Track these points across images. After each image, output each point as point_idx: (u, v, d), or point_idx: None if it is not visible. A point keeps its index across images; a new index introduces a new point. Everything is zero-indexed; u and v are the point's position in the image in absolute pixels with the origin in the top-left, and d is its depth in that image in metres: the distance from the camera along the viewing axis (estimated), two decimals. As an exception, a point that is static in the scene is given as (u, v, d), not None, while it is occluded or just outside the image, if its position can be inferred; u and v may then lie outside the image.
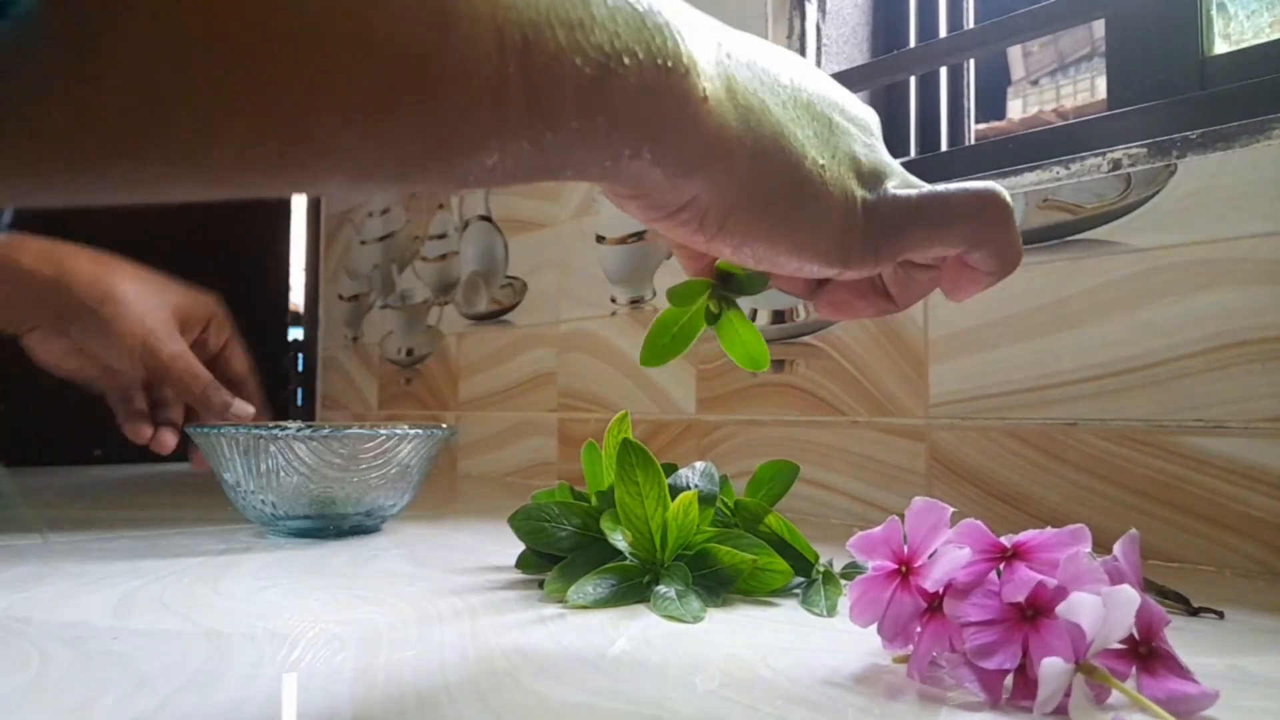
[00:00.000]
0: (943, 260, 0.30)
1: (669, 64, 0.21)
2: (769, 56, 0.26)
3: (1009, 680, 0.27)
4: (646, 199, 0.24)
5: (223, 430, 0.57)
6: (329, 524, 0.61)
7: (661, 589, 0.40)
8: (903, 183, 0.28)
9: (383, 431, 0.59)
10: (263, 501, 0.59)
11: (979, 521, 0.30)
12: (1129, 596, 0.25)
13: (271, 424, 0.60)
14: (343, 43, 0.16)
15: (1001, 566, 0.29)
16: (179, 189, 0.17)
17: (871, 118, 0.29)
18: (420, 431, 0.60)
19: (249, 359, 0.71)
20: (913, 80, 0.86)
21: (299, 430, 0.57)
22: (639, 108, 0.21)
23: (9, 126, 0.14)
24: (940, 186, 0.28)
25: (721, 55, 0.24)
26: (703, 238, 0.25)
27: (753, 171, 0.24)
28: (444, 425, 0.63)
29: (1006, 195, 0.28)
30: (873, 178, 0.26)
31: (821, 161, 0.25)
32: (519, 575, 0.48)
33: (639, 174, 0.23)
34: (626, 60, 0.20)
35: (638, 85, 0.21)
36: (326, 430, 0.57)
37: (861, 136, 0.27)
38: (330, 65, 0.16)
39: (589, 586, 0.41)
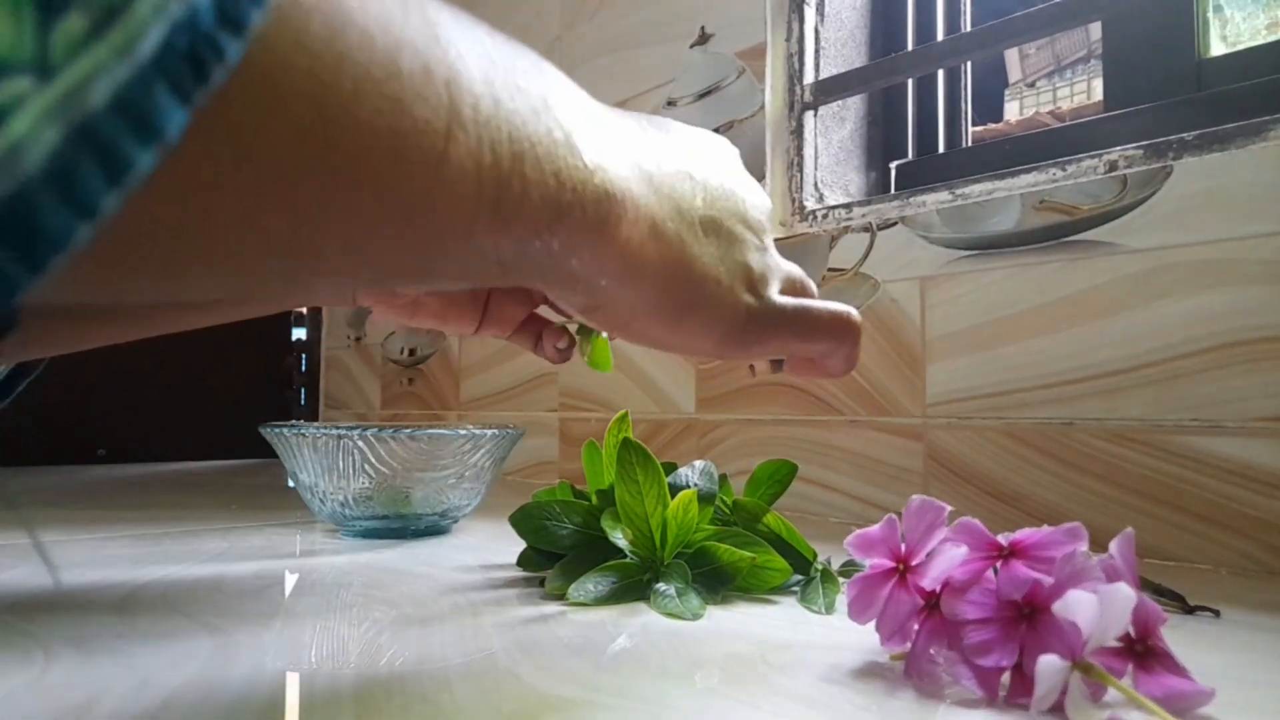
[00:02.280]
0: None
1: (608, 217, 0.25)
2: (691, 175, 0.30)
3: (1006, 678, 0.28)
4: (564, 299, 0.29)
5: (300, 429, 0.58)
6: (406, 524, 0.61)
7: (661, 587, 0.41)
8: (784, 282, 0.33)
9: (462, 431, 0.59)
10: (340, 503, 0.60)
11: (976, 520, 0.30)
12: (1125, 595, 0.26)
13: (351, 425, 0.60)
14: (358, 187, 0.19)
15: (998, 565, 0.29)
16: (212, 293, 0.20)
17: (767, 217, 0.33)
18: (496, 432, 0.61)
19: None
20: (910, 83, 0.86)
21: (381, 430, 0.57)
22: (576, 247, 0.25)
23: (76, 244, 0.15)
24: (806, 303, 0.33)
25: (650, 194, 0.27)
26: (607, 329, 0.30)
27: (658, 289, 0.28)
28: (511, 427, 0.63)
29: (859, 317, 0.34)
30: (760, 283, 0.31)
31: (719, 278, 0.30)
32: (520, 573, 0.48)
33: (566, 286, 0.27)
34: (575, 213, 0.24)
35: (580, 231, 0.25)
36: (408, 430, 0.58)
37: (756, 242, 0.31)
38: (345, 203, 0.19)
39: (589, 584, 0.41)
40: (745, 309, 0.30)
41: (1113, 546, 0.28)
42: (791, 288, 0.33)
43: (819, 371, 0.35)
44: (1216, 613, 0.40)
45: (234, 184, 0.17)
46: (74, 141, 0.13)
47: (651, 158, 0.28)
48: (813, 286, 0.35)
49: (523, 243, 0.23)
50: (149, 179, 0.15)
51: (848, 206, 0.78)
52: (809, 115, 0.83)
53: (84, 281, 0.17)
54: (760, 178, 0.84)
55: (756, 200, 0.32)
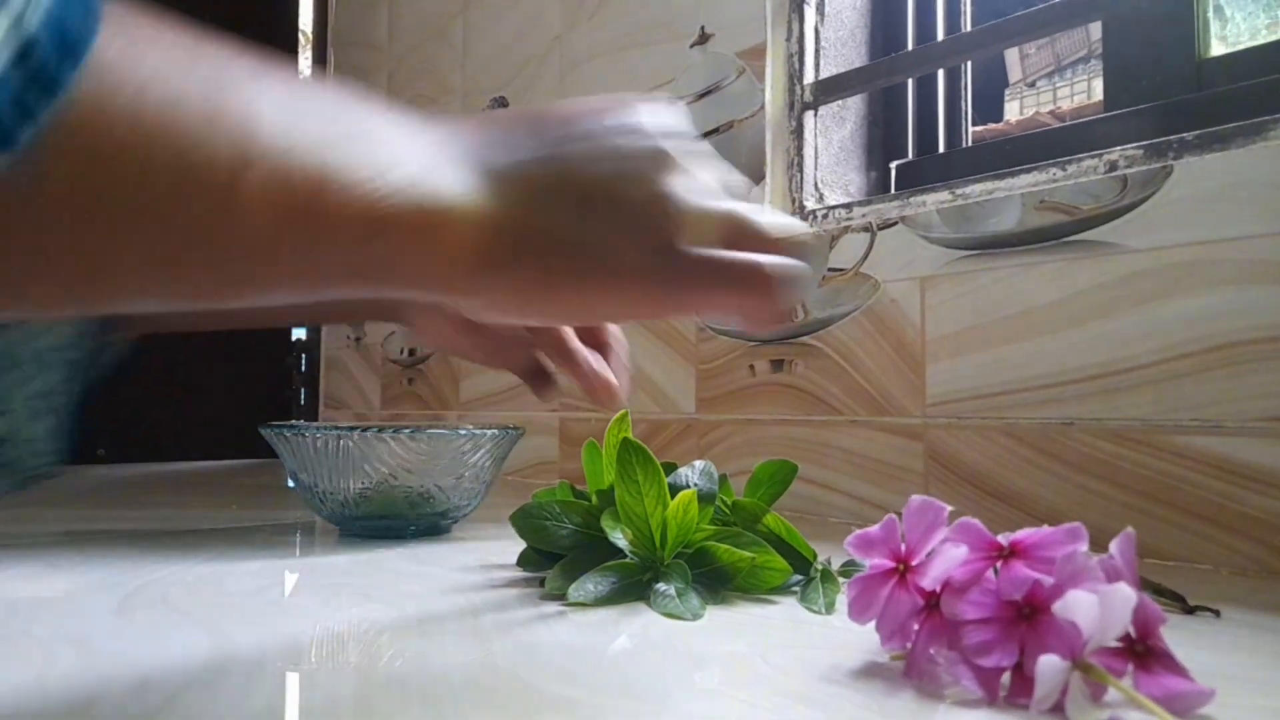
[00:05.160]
0: None
1: (433, 225, 0.26)
2: (552, 158, 0.29)
3: (1006, 678, 0.27)
4: (430, 300, 0.30)
5: (300, 429, 0.57)
6: (405, 524, 0.61)
7: (661, 587, 0.41)
8: (709, 230, 0.31)
9: (462, 431, 0.59)
10: (339, 503, 0.60)
11: (976, 520, 0.30)
12: (1125, 595, 0.26)
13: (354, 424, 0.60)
14: (141, 223, 0.21)
15: (999, 565, 0.29)
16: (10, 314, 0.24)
17: (668, 161, 0.31)
18: (496, 432, 0.61)
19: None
20: (910, 82, 0.86)
21: (381, 430, 0.57)
22: (404, 260, 0.26)
23: None
24: (717, 257, 0.30)
25: (488, 199, 0.27)
26: (490, 319, 0.32)
27: (521, 282, 0.28)
28: (511, 426, 0.63)
29: (774, 268, 0.31)
30: (661, 239, 0.30)
31: (600, 248, 0.29)
32: (520, 573, 0.48)
33: (417, 290, 0.28)
34: (390, 229, 0.25)
35: (402, 244, 0.26)
36: (408, 430, 0.58)
37: (650, 197, 0.30)
38: (131, 236, 0.22)
39: (589, 584, 0.41)
40: (640, 275, 0.29)
41: (1113, 547, 0.28)
42: (727, 233, 0.31)
43: (742, 324, 0.34)
44: (1217, 613, 0.40)
45: (20, 233, 0.20)
46: None
47: (498, 158, 0.28)
48: (758, 223, 0.32)
49: (343, 258, 0.25)
50: None
51: (848, 206, 0.78)
52: (809, 115, 0.83)
53: None
54: (760, 178, 0.84)
55: (655, 152, 0.31)
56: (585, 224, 0.29)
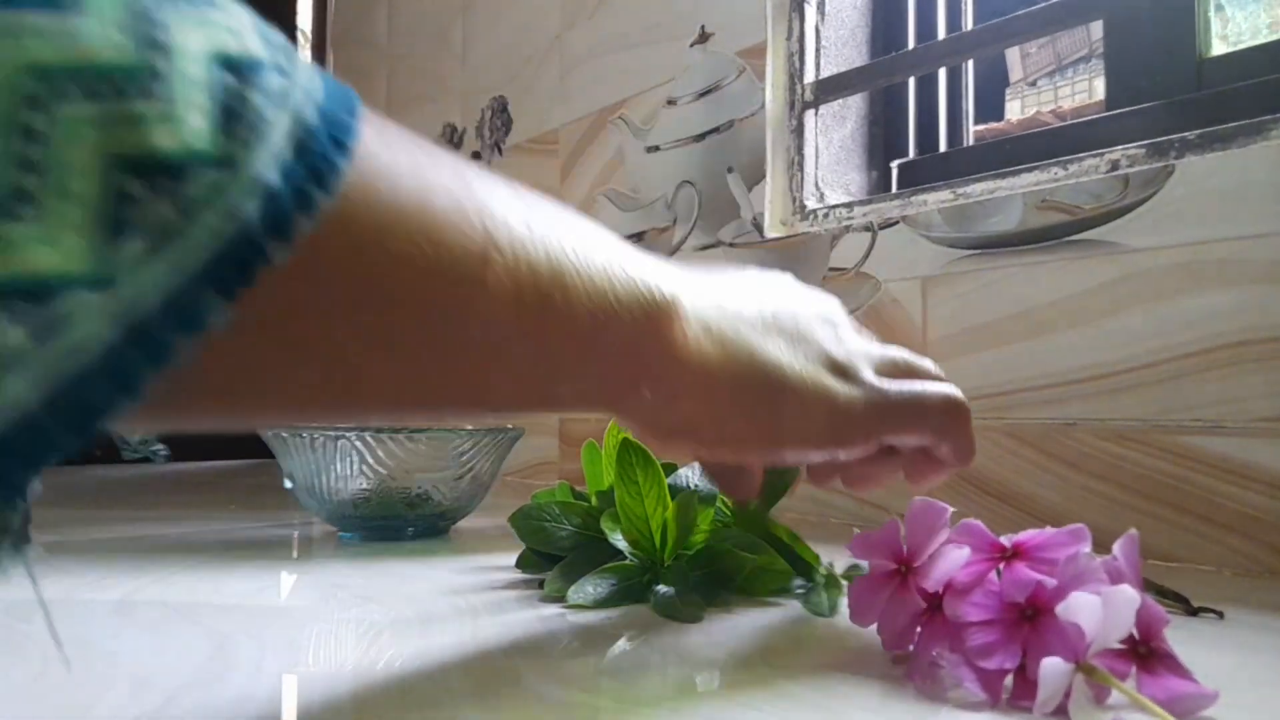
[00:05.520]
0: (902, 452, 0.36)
1: (655, 316, 0.27)
2: (736, 291, 0.31)
3: (1009, 680, 0.27)
4: (645, 424, 0.29)
5: (298, 430, 0.57)
6: (404, 525, 0.61)
7: (661, 589, 0.40)
8: (880, 365, 0.33)
9: (462, 432, 0.59)
10: (340, 503, 0.59)
11: (978, 521, 0.30)
12: (1129, 596, 0.25)
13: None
14: (392, 316, 0.21)
15: (1001, 566, 0.29)
16: (267, 424, 0.25)
17: (833, 310, 0.34)
18: (495, 432, 0.61)
19: None
20: (911, 82, 0.86)
21: (380, 430, 0.57)
22: (630, 352, 0.26)
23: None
24: (909, 385, 0.33)
25: (696, 301, 0.28)
26: (705, 451, 0.32)
27: (735, 389, 0.29)
28: (510, 426, 0.63)
29: (964, 398, 0.34)
30: (848, 368, 0.32)
31: (797, 367, 0.30)
32: (519, 575, 0.48)
33: (636, 405, 0.28)
34: (621, 315, 0.26)
35: (629, 334, 0.26)
36: (409, 430, 0.57)
37: (828, 334, 0.32)
38: (378, 334, 0.21)
39: (589, 586, 0.41)
40: (839, 396, 0.31)
41: (1116, 548, 0.28)
42: (894, 370, 0.33)
43: (933, 466, 0.35)
44: (1220, 614, 0.40)
45: (275, 344, 0.20)
46: (127, 339, 0.16)
47: (698, 277, 0.30)
48: (925, 364, 0.35)
49: (577, 350, 0.25)
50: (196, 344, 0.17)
51: (849, 206, 0.77)
52: (810, 114, 0.83)
53: (147, 419, 0.20)
54: (761, 177, 0.84)
55: (820, 302, 0.34)
56: (783, 351, 0.30)
